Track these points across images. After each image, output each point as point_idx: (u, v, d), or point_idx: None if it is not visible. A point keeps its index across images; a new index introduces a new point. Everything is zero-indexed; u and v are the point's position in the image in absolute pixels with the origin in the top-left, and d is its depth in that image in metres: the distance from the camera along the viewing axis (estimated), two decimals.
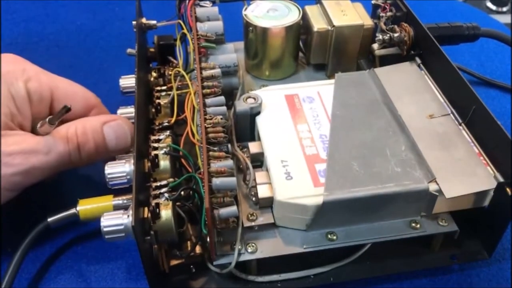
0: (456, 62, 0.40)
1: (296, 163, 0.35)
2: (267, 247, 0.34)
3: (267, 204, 0.35)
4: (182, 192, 0.33)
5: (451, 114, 0.39)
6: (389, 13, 0.46)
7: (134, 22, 0.45)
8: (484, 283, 0.36)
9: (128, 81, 0.45)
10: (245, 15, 0.46)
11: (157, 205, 0.32)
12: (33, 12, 0.67)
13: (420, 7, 0.46)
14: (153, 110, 0.42)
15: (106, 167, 0.36)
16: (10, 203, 0.35)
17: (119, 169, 0.36)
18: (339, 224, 0.35)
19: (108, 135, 0.38)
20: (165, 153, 0.36)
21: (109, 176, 0.36)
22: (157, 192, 0.34)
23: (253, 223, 0.34)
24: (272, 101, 0.41)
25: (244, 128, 0.40)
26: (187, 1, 0.46)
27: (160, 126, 0.40)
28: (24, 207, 0.42)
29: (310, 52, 0.48)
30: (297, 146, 0.37)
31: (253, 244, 0.34)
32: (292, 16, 0.46)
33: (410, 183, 0.34)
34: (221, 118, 0.35)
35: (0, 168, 0.31)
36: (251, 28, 0.45)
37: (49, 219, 0.36)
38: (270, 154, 0.36)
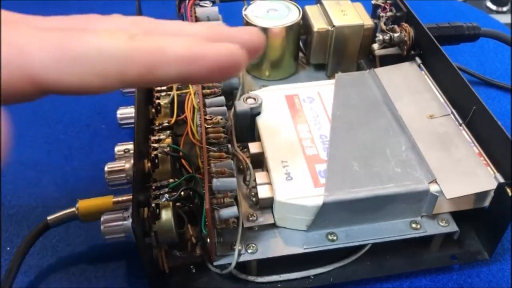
0: (456, 62, 0.40)
1: (296, 163, 0.35)
2: (267, 248, 0.34)
3: (267, 204, 0.35)
4: (182, 193, 0.33)
5: (452, 115, 0.39)
6: (389, 13, 0.46)
7: None
8: (485, 284, 0.36)
9: None
10: (245, 15, 0.46)
11: (157, 205, 0.32)
12: (33, 12, 0.67)
13: (420, 7, 0.46)
14: (153, 110, 0.42)
15: (106, 168, 0.36)
16: (10, 203, 0.35)
17: (119, 170, 0.36)
18: (339, 225, 0.35)
19: None
20: (165, 153, 0.36)
21: (109, 176, 0.36)
22: (157, 192, 0.33)
23: (253, 224, 0.34)
24: (272, 101, 0.41)
25: (244, 128, 0.40)
26: (187, 1, 0.46)
27: (160, 127, 0.40)
28: (24, 207, 0.42)
29: (310, 52, 0.48)
30: (297, 147, 0.37)
31: (253, 245, 0.34)
32: (292, 16, 0.46)
33: (411, 183, 0.34)
34: (221, 119, 0.35)
35: None
36: None
37: (49, 219, 0.36)
38: (270, 155, 0.36)
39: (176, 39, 0.21)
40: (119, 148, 0.38)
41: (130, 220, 0.31)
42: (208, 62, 0.21)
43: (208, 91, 0.37)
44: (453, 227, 0.35)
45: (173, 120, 0.40)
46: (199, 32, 0.23)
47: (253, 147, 0.38)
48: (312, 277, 0.35)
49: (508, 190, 0.32)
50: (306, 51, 0.49)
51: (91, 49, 0.20)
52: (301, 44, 0.49)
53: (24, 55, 0.19)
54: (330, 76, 0.48)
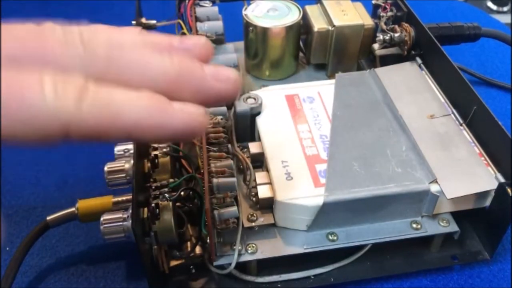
0: (457, 62, 0.40)
1: (297, 163, 0.35)
2: (267, 248, 0.34)
3: (268, 204, 0.35)
4: (182, 193, 0.33)
5: (452, 114, 0.39)
6: (389, 13, 0.46)
7: (133, 22, 0.45)
8: (485, 284, 0.36)
9: None
10: (245, 15, 0.46)
11: (157, 205, 0.32)
12: (33, 12, 0.67)
13: (420, 7, 0.46)
14: None
15: (106, 168, 0.36)
16: (9, 203, 0.35)
17: (119, 170, 0.36)
18: (339, 225, 0.35)
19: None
20: (165, 153, 0.36)
21: (109, 176, 0.36)
22: (157, 192, 0.33)
23: (253, 224, 0.34)
24: (272, 101, 0.40)
25: (244, 128, 0.40)
26: (187, 1, 0.46)
27: None
28: (24, 207, 0.42)
29: (310, 52, 0.48)
30: (298, 147, 0.37)
31: (253, 245, 0.34)
32: (292, 16, 0.46)
33: (411, 183, 0.34)
34: (221, 118, 0.35)
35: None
36: (251, 28, 0.45)
37: (49, 219, 0.36)
38: (270, 155, 0.36)
39: (134, 100, 0.19)
40: (118, 148, 0.38)
41: (130, 220, 0.31)
42: (164, 132, 0.20)
43: None
44: (453, 227, 0.35)
45: None
46: (166, 81, 0.21)
47: (253, 147, 0.37)
48: (312, 277, 0.35)
49: (509, 190, 0.32)
50: (306, 51, 0.49)
51: (33, 110, 0.18)
52: (301, 44, 0.49)
53: None
54: (330, 76, 0.48)
